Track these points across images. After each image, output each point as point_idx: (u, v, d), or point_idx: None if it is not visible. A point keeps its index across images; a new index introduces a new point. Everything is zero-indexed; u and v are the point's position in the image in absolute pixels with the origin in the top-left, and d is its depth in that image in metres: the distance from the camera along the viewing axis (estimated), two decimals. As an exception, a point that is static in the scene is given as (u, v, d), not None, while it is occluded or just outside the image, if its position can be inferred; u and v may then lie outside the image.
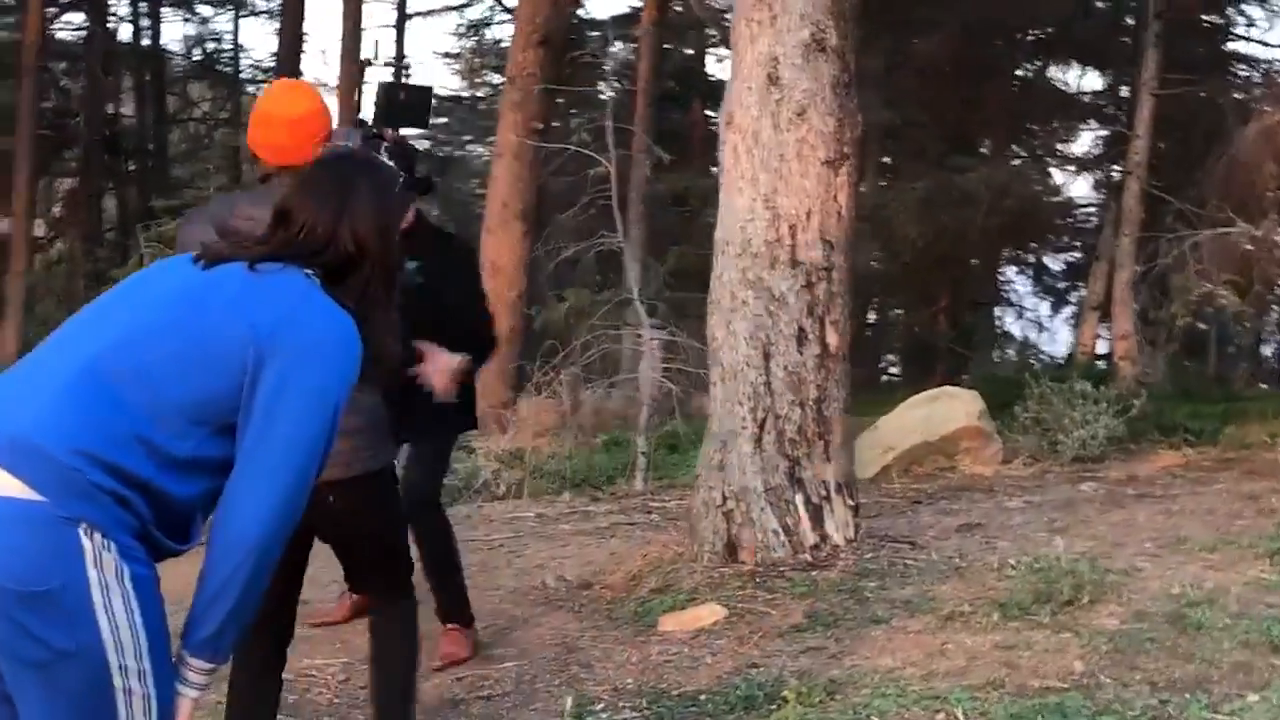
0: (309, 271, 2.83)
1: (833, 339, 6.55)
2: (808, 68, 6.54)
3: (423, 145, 36.72)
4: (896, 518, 7.75)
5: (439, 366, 5.27)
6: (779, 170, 6.53)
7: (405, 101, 4.13)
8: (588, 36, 19.85)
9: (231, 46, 33.64)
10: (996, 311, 30.24)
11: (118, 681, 2.57)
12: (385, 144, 4.13)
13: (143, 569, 2.61)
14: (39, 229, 25.57)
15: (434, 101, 4.38)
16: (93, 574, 2.52)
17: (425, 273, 5.79)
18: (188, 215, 4.36)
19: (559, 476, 10.20)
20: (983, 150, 24.70)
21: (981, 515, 7.66)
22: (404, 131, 4.66)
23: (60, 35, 28.74)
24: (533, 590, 6.71)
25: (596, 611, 6.24)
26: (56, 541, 2.50)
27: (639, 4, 21.92)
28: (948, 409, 10.37)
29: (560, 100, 19.44)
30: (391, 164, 3.07)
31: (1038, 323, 29.37)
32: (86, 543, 2.51)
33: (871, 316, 30.10)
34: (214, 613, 2.65)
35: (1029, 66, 25.57)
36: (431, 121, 4.44)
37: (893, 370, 31.97)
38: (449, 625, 5.77)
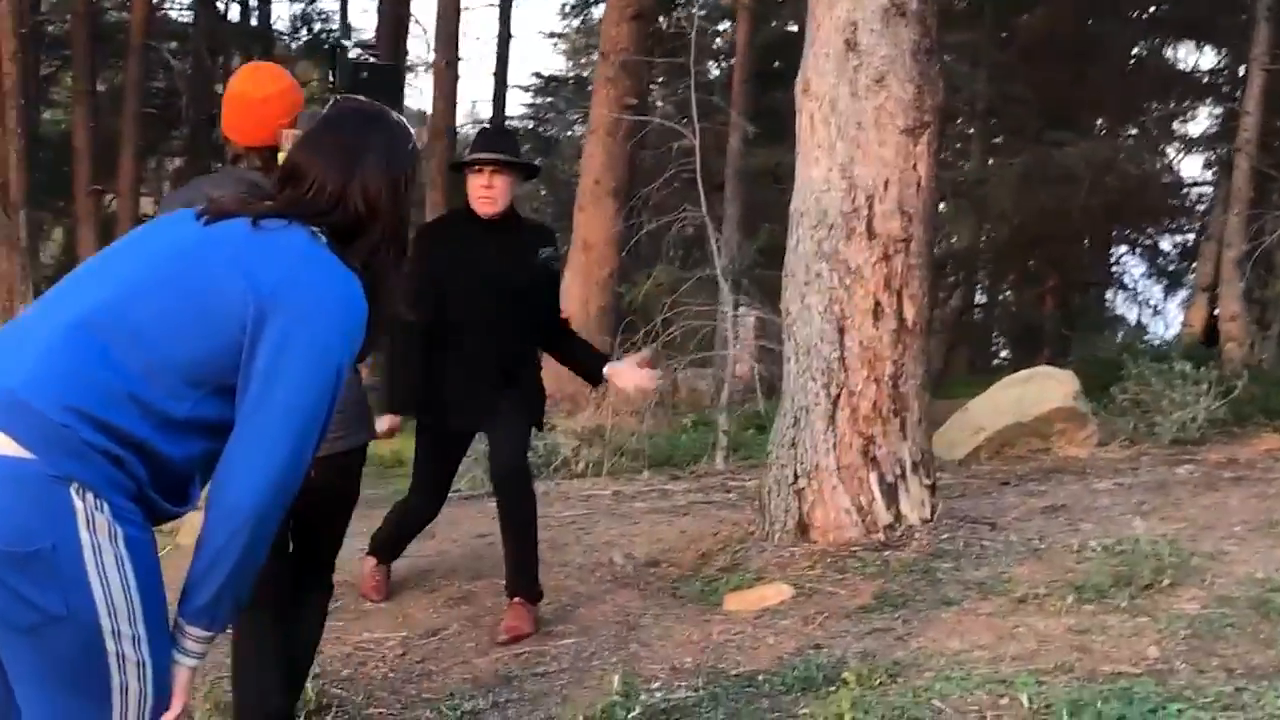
0: (315, 229, 2.72)
1: (910, 313, 6.36)
2: (887, 33, 6.35)
3: (527, 126, 36.90)
4: (980, 499, 7.53)
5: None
6: (856, 139, 6.35)
7: (369, 80, 4.04)
8: (682, 10, 19.61)
9: (339, 26, 33.88)
10: (1109, 294, 29.72)
11: (111, 647, 2.50)
12: None
13: (137, 531, 2.53)
14: (148, 207, 25.96)
15: (403, 80, 4.28)
16: (84, 535, 2.45)
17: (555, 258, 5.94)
18: (164, 200, 4.34)
19: (640, 455, 10.09)
20: (1099, 128, 24.23)
21: (1068, 497, 7.42)
22: None
23: (169, 15, 29.17)
24: (599, 567, 6.61)
25: (662, 590, 6.12)
26: (46, 501, 2.43)
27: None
28: (1042, 389, 10.08)
29: (661, 79, 19.34)
30: (403, 120, 2.94)
31: (1152, 305, 28.82)
32: (78, 503, 2.44)
33: (981, 298, 29.73)
34: (210, 580, 2.57)
35: (1144, 44, 25.04)
36: (403, 100, 4.36)
37: (1004, 353, 31.59)
38: (515, 599, 5.68)
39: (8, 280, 17.33)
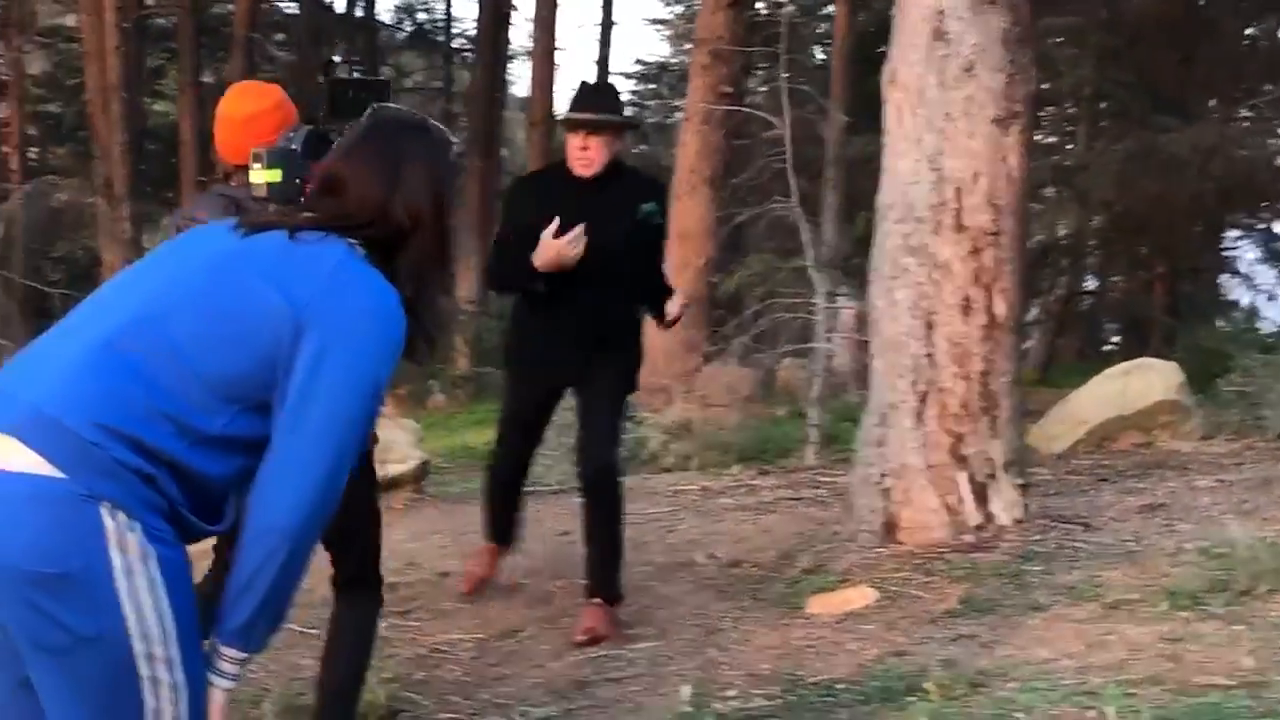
0: (353, 242, 2.65)
1: (1000, 308, 6.20)
2: (976, 21, 6.18)
3: (629, 112, 36.84)
4: (1076, 497, 7.35)
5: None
6: (944, 130, 6.19)
7: (355, 97, 4.02)
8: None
9: (443, 17, 34.14)
10: (1221, 279, 29.13)
11: (143, 669, 2.44)
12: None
13: (170, 551, 2.47)
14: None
15: (390, 94, 4.21)
16: (115, 556, 2.39)
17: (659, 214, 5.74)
18: (163, 227, 4.36)
19: (730, 448, 9.95)
20: (1210, 110, 23.74)
21: (1167, 495, 7.22)
22: None
23: (274, 7, 29.47)
24: (681, 568, 6.50)
25: (743, 591, 6.01)
26: (76, 521, 2.37)
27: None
28: (1144, 382, 9.85)
29: (764, 65, 19.16)
30: (445, 129, 2.86)
31: (1265, 291, 28.18)
32: (109, 522, 2.38)
33: (1091, 283, 29.29)
34: (246, 601, 2.50)
35: (1257, 25, 24.49)
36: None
37: (1114, 340, 31.16)
38: (594, 599, 5.59)
39: (113, 271, 17.55)
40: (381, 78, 4.61)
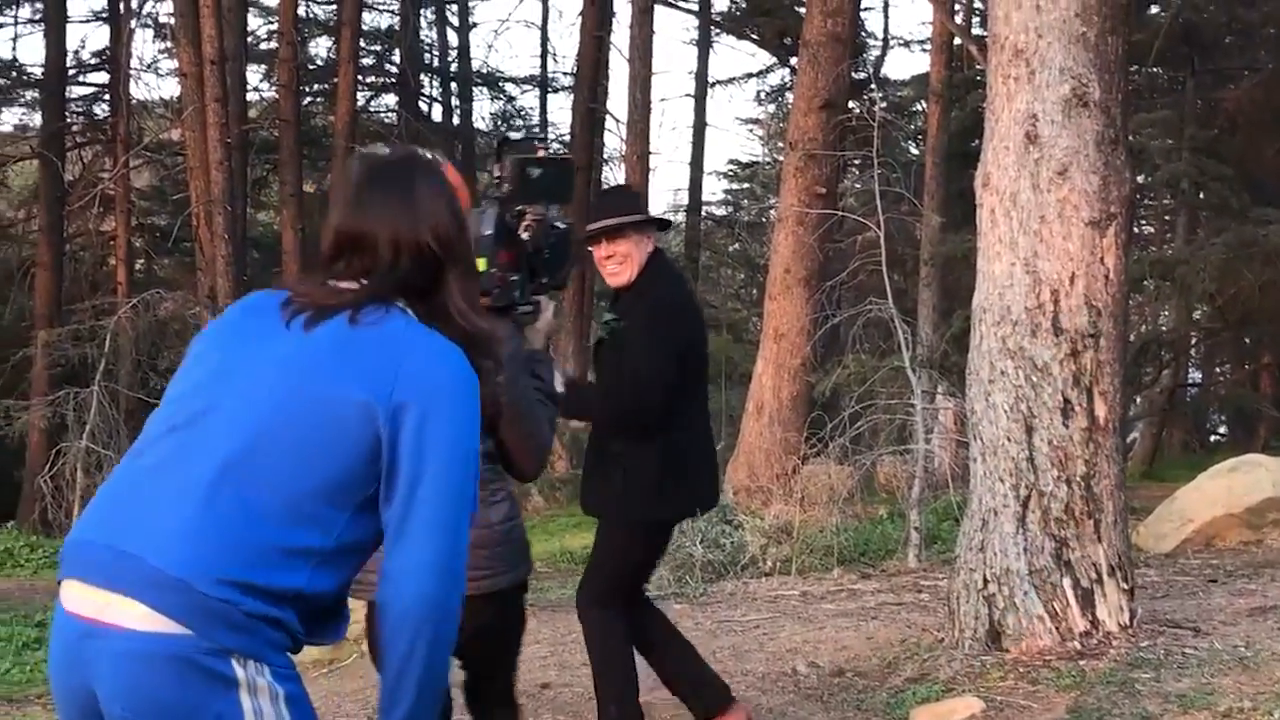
0: (404, 307, 2.63)
1: (1101, 410, 6.13)
2: (1069, 124, 6.17)
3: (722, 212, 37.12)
4: (1185, 599, 7.22)
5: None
6: (1039, 232, 6.17)
7: (540, 177, 3.86)
8: (868, 100, 19.49)
9: (538, 122, 34.57)
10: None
11: None
12: (528, 223, 3.79)
13: (296, 687, 2.48)
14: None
15: (574, 174, 4.02)
16: (247, 702, 2.40)
17: (619, 330, 5.21)
18: None
19: (830, 551, 9.87)
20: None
21: (1279, 596, 7.07)
22: None
23: (372, 115, 30.02)
24: (783, 677, 6.43)
25: (846, 701, 5.93)
26: (207, 675, 2.37)
27: (927, 66, 21.64)
28: (1252, 478, 9.71)
29: (857, 161, 19.20)
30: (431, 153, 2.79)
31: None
32: (240, 672, 2.39)
33: (1195, 375, 28.90)
34: (404, 690, 2.50)
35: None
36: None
37: (1220, 432, 30.69)
38: None
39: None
40: (568, 155, 4.43)
